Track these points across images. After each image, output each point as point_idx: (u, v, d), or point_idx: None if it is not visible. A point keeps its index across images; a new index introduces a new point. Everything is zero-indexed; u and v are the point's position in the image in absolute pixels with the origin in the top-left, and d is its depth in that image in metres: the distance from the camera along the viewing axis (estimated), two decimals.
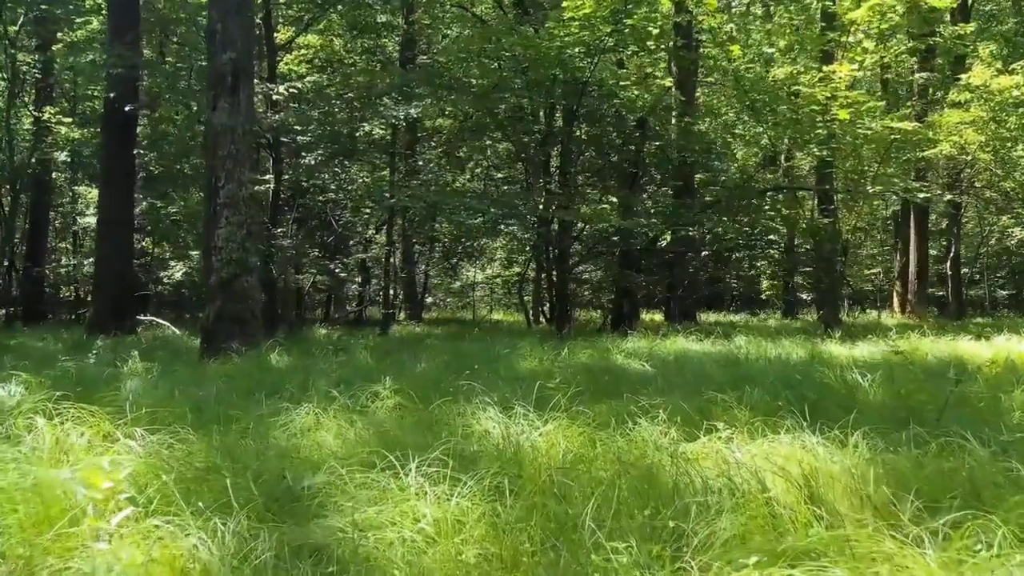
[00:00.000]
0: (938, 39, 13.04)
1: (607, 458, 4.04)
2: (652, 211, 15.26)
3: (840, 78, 11.78)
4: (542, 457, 3.74)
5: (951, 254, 22.67)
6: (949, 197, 15.90)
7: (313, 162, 14.64)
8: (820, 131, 12.32)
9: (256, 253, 8.71)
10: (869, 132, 11.99)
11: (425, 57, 19.87)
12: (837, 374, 6.88)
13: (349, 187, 16.66)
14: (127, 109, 14.13)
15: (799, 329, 15.75)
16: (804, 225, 14.26)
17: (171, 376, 6.71)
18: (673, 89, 16.45)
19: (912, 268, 22.40)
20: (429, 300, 28.95)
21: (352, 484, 2.99)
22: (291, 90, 14.40)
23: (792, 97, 12.71)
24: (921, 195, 12.73)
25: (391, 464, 3.23)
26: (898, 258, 24.76)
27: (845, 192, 13.91)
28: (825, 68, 12.07)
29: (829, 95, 11.88)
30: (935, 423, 4.61)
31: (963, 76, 13.41)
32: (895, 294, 24.50)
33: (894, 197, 20.74)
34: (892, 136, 12.40)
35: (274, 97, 14.37)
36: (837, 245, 14.13)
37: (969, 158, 15.11)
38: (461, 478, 2.93)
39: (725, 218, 15.40)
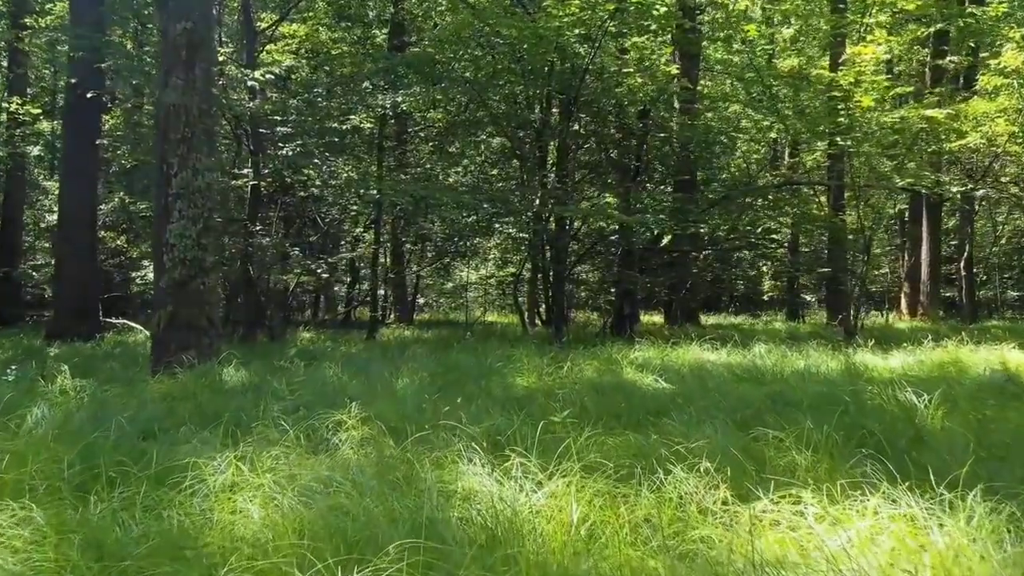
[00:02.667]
0: (969, 20, 12.04)
1: (634, 526, 2.99)
2: (656, 207, 14.20)
3: (865, 61, 10.75)
4: (548, 534, 2.68)
5: (964, 254, 21.66)
6: (982, 192, 14.89)
7: (290, 153, 13.51)
8: (842, 119, 11.29)
9: (214, 251, 7.64)
10: (897, 121, 10.96)
11: (416, 49, 18.79)
12: (889, 394, 5.84)
13: (332, 182, 15.55)
14: (89, 96, 13.02)
15: (813, 334, 14.71)
16: (821, 222, 13.19)
17: (99, 398, 5.63)
18: (676, 80, 15.38)
19: (924, 268, 21.42)
20: (421, 301, 27.92)
21: None
22: (267, 75, 13.29)
23: (808, 83, 11.67)
24: (955, 189, 11.73)
25: (332, 563, 2.15)
26: (905, 258, 23.77)
27: (866, 186, 12.85)
28: (850, 50, 11.02)
29: (853, 80, 10.85)
30: None
31: (992, 61, 12.39)
32: (903, 295, 23.53)
33: (902, 194, 19.79)
34: (920, 126, 11.37)
35: (249, 83, 13.26)
36: (859, 242, 13.07)
37: (999, 150, 14.11)
38: None
39: (735, 215, 14.36)
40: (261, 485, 3.00)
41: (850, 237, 14.71)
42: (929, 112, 10.74)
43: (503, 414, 5.12)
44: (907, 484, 3.14)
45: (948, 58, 13.31)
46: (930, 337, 9.82)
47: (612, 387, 6.21)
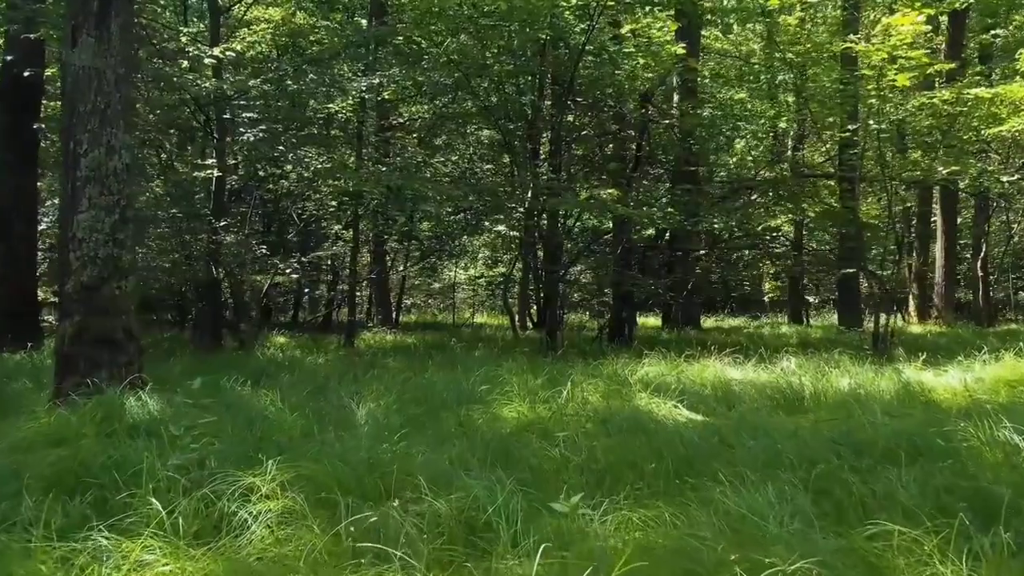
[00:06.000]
0: None
1: None
2: (662, 200, 12.87)
3: (901, 32, 9.45)
4: None
5: (981, 252, 20.42)
6: None
7: (251, 139, 12.07)
8: (872, 101, 9.99)
9: (133, 249, 6.24)
10: (942, 102, 9.63)
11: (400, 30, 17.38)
12: (987, 433, 4.51)
13: (305, 173, 14.13)
14: (26, 74, 11.59)
15: (830, 341, 13.39)
16: (842, 218, 11.86)
17: None
18: (683, 62, 14.02)
19: (939, 268, 20.21)
20: (409, 302, 26.57)
21: None
22: (228, 53, 11.86)
23: (835, 60, 10.39)
24: (1004, 179, 10.44)
25: None
26: (915, 257, 22.49)
27: (890, 179, 11.53)
28: (884, 20, 9.71)
29: (887, 55, 9.54)
30: None
31: None
32: (911, 297, 22.28)
33: (911, 187, 18.51)
34: (958, 109, 10.09)
35: (206, 60, 11.83)
36: (889, 239, 11.79)
37: None
38: None
39: (745, 209, 13.04)
40: None
41: (867, 235, 13.45)
42: (975, 91, 9.44)
43: (485, 469, 3.75)
44: None
45: (992, 32, 11.98)
46: (984, 349, 8.52)
47: (626, 421, 4.84)
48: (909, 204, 22.56)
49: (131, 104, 6.58)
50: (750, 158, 19.63)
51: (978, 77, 10.57)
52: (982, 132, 11.27)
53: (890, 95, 10.15)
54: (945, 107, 10.31)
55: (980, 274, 20.64)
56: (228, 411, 5.10)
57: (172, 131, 15.36)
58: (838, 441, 4.33)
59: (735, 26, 24.07)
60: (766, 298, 29.66)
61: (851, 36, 10.29)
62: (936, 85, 13.90)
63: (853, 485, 3.42)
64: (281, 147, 12.29)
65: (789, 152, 20.07)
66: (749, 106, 15.49)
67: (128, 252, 6.17)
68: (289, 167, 14.67)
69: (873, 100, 10.04)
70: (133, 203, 6.29)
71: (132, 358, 6.14)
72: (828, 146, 15.93)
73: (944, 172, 10.03)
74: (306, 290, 18.35)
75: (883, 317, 11.21)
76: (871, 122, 9.95)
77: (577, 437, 4.38)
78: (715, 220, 11.80)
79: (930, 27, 10.08)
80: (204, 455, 3.78)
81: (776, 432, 4.58)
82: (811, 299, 27.65)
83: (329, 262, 19.85)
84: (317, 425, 4.86)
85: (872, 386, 6.78)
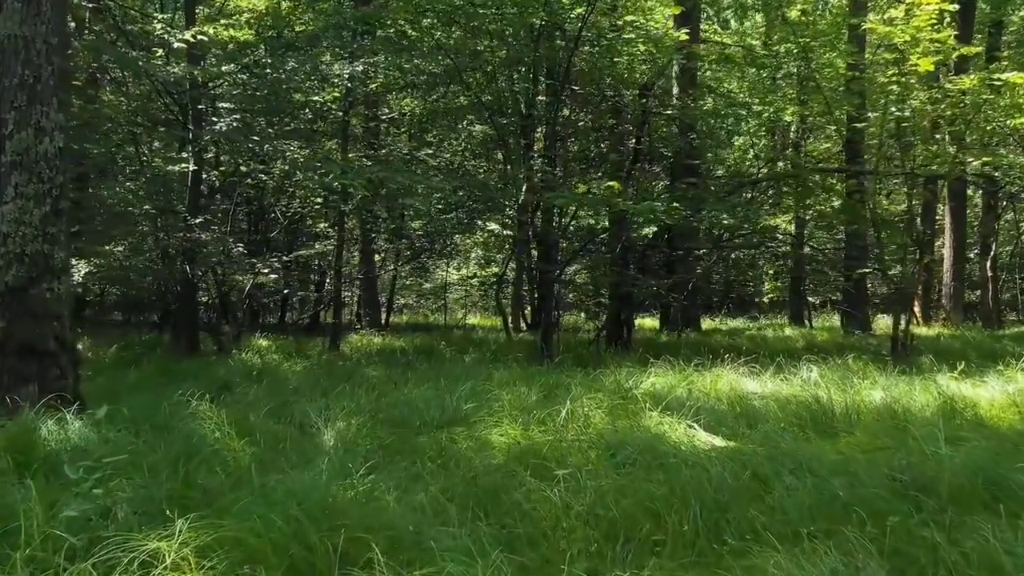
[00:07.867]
0: None
1: None
2: (663, 196, 12.08)
3: (925, 12, 8.72)
4: None
5: (991, 252, 19.71)
6: None
7: (224, 128, 11.24)
8: (893, 87, 9.26)
9: (67, 246, 5.41)
10: (959, 88, 8.89)
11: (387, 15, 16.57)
12: None
13: (283, 166, 13.31)
14: None
15: (840, 345, 12.66)
16: (865, 214, 11.09)
17: None
18: (686, 49, 13.25)
19: (947, 267, 19.50)
20: (401, 302, 25.76)
21: None
22: (200, 37, 11.03)
23: (850, 41, 9.66)
24: None
25: None
26: (918, 256, 21.78)
27: (911, 173, 10.80)
28: None
29: (910, 38, 8.81)
30: None
31: None
32: (915, 298, 21.55)
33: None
34: (984, 96, 9.37)
35: (175, 44, 11.01)
36: (912, 237, 11.05)
37: None
38: None
39: (752, 206, 12.29)
40: None
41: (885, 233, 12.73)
42: (1006, 76, 8.70)
43: (465, 521, 2.97)
44: None
45: (1020, 15, 11.23)
46: None
47: (638, 452, 4.06)
48: (917, 201, 21.82)
49: (66, 79, 5.77)
50: (751, 153, 18.90)
51: (1005, 63, 9.82)
52: (1006, 123, 10.54)
53: (912, 81, 9.40)
54: (965, 97, 9.58)
55: (990, 274, 19.91)
56: (165, 436, 4.29)
57: (149, 123, 14.57)
58: (897, 478, 3.56)
59: (732, 23, 23.42)
60: (766, 298, 28.95)
61: (870, 16, 9.54)
62: (941, 77, 13.20)
63: (940, 548, 2.65)
64: (256, 138, 11.44)
65: (791, 148, 19.35)
66: (752, 94, 14.80)
67: (62, 249, 5.36)
68: (272, 161, 13.87)
69: (894, 87, 9.29)
70: (67, 193, 5.48)
71: (65, 371, 5.33)
72: (834, 140, 15.20)
73: (977, 164, 9.30)
74: (286, 291, 17.51)
75: (901, 320, 10.46)
76: (893, 109, 9.20)
77: (580, 473, 3.60)
78: (723, 215, 11.03)
79: (956, 6, 9.31)
80: (112, 503, 2.99)
81: (818, 464, 3.81)
82: (813, 300, 26.94)
83: (317, 262, 19.05)
84: (269, 455, 4.06)
85: (908, 400, 6.03)
